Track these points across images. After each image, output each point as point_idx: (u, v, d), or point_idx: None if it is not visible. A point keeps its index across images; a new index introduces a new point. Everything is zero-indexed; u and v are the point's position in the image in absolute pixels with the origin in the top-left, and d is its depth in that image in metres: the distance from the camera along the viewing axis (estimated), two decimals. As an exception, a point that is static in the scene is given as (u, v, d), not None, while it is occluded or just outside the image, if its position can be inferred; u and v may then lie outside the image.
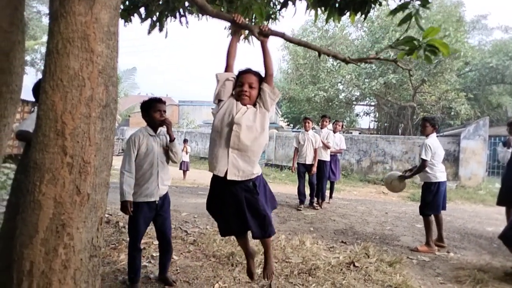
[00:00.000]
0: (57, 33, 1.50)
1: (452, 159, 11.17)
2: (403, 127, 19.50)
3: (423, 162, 4.43)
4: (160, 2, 3.59)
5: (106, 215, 5.01)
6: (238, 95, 2.35)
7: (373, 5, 3.11)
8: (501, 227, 3.97)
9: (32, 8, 21.77)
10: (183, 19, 3.81)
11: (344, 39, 19.81)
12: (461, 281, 3.50)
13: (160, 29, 3.81)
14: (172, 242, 3.19)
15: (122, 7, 3.63)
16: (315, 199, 6.95)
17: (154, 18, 3.75)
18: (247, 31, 3.92)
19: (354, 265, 3.60)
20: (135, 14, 3.72)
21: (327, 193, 7.40)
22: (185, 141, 12.80)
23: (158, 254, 3.67)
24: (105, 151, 1.61)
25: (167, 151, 2.99)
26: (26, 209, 1.47)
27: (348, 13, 3.21)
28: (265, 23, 3.97)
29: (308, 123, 6.79)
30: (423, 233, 4.63)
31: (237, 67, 2.46)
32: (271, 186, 2.70)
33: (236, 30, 2.52)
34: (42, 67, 1.60)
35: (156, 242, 4.00)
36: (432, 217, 4.53)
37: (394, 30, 15.46)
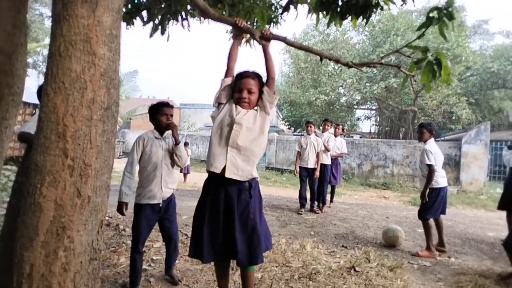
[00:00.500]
0: (60, 35, 1.51)
1: (453, 164, 11.15)
2: (404, 131, 19.51)
3: (431, 168, 4.39)
4: (162, 6, 3.60)
5: (107, 218, 5.01)
6: (237, 101, 2.34)
7: (374, 10, 3.11)
8: (503, 232, 3.96)
9: (35, 10, 21.86)
10: (185, 22, 3.82)
11: (345, 43, 19.88)
12: (462, 287, 3.48)
13: (162, 32, 3.83)
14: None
15: (124, 10, 3.64)
16: (316, 203, 6.94)
17: (156, 21, 3.76)
18: (248, 35, 3.94)
19: (354, 270, 3.58)
20: (137, 17, 3.73)
21: (328, 197, 7.39)
22: (186, 144, 12.80)
23: (158, 257, 3.67)
24: (106, 154, 1.61)
25: (173, 154, 2.99)
26: (26, 212, 1.47)
27: (349, 17, 3.21)
28: (267, 27, 3.98)
29: (310, 127, 6.80)
30: (424, 237, 4.61)
31: (238, 70, 2.46)
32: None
33: (238, 33, 2.52)
34: (44, 70, 1.60)
35: (156, 245, 4.01)
36: (432, 222, 4.52)
37: (395, 34, 15.50)
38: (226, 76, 2.43)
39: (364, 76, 17.80)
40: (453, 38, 14.14)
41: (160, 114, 2.95)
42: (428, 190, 4.47)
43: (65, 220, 1.46)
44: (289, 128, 27.80)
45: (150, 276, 3.26)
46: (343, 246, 4.63)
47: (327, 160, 6.97)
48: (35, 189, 1.46)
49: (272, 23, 4.11)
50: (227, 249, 2.21)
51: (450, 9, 2.38)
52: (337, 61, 2.68)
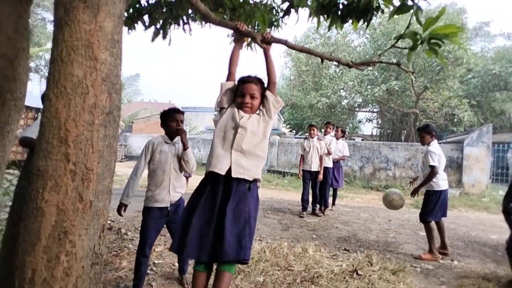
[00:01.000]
0: (62, 41, 1.52)
1: (456, 166, 11.12)
2: (406, 133, 19.48)
3: (433, 169, 4.38)
4: (164, 10, 3.62)
5: (109, 222, 5.01)
6: (239, 106, 2.34)
7: (375, 13, 3.12)
8: (505, 235, 3.94)
9: (37, 15, 21.99)
10: (186, 26, 3.83)
11: (346, 46, 19.90)
12: (465, 290, 3.47)
13: (164, 37, 3.84)
14: None
15: (126, 14, 3.66)
16: (318, 206, 6.94)
17: (158, 26, 3.78)
18: (250, 39, 3.95)
19: (357, 273, 3.57)
20: (139, 22, 3.75)
21: (330, 200, 7.37)
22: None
23: (160, 261, 3.67)
24: (108, 158, 1.61)
25: (181, 159, 3.05)
26: (28, 216, 1.47)
27: (350, 21, 3.22)
28: (268, 30, 3.99)
29: (313, 130, 6.81)
30: (426, 240, 4.59)
31: (240, 74, 2.46)
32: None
33: (239, 37, 2.53)
34: (46, 74, 1.61)
35: (158, 249, 4.01)
36: (434, 224, 4.51)
37: (396, 37, 15.48)
38: (227, 79, 2.43)
39: (365, 79, 17.80)
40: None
41: (171, 119, 3.02)
42: (422, 189, 4.52)
43: (67, 225, 1.47)
44: (290, 131, 27.78)
45: (152, 280, 3.25)
46: (345, 249, 4.62)
47: (329, 163, 6.97)
48: (37, 194, 1.46)
49: (273, 27, 4.12)
50: (215, 245, 2.04)
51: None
52: (337, 61, 2.70)
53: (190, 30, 3.90)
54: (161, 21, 3.72)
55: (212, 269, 2.27)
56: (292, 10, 3.54)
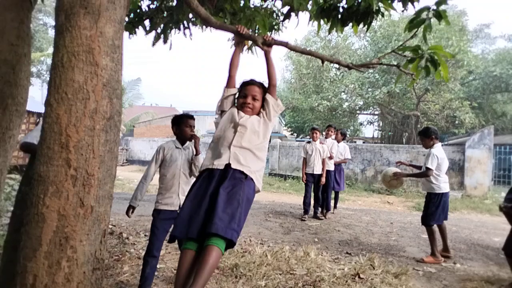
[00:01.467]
0: (62, 46, 1.53)
1: (457, 168, 11.09)
2: (407, 136, 19.46)
3: (427, 171, 4.41)
4: (165, 15, 3.63)
5: (110, 226, 5.00)
6: (241, 106, 2.36)
7: (375, 16, 3.13)
8: (508, 238, 3.92)
9: (39, 20, 22.10)
10: (187, 31, 3.85)
11: (347, 49, 19.93)
12: (468, 293, 3.45)
13: (165, 41, 3.85)
14: None
15: (126, 19, 3.67)
16: (320, 209, 6.92)
17: (159, 30, 3.79)
18: (250, 42, 3.96)
19: (359, 277, 3.55)
20: (140, 26, 3.76)
21: (332, 203, 7.36)
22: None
23: (161, 265, 3.66)
24: (109, 163, 1.61)
25: (192, 164, 3.11)
26: (29, 222, 1.47)
27: (350, 24, 3.23)
28: (269, 34, 4.00)
29: (316, 133, 6.81)
30: (428, 243, 4.57)
31: (240, 78, 2.49)
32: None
33: (240, 41, 2.54)
34: (48, 79, 1.62)
35: (160, 254, 4.00)
36: (435, 227, 4.49)
37: (396, 39, 15.52)
38: (228, 83, 2.44)
39: (366, 82, 17.81)
40: (454, 43, 14.15)
41: (185, 125, 3.12)
42: (410, 175, 4.71)
43: (68, 231, 1.47)
44: (291, 134, 27.79)
45: (154, 285, 3.25)
46: (347, 252, 4.60)
47: (330, 166, 6.97)
48: (38, 199, 1.47)
49: (273, 31, 4.13)
50: (206, 222, 1.93)
51: (439, 9, 2.42)
52: (338, 63, 2.72)
53: (191, 34, 3.92)
54: (161, 26, 3.73)
55: (199, 249, 2.04)
56: (292, 14, 3.56)
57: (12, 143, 2.25)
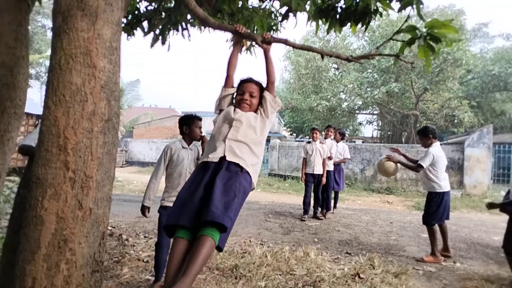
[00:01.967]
0: (60, 49, 1.52)
1: (457, 167, 11.10)
2: (406, 135, 19.47)
3: (418, 168, 4.48)
4: (163, 16, 3.63)
5: (110, 228, 5.00)
6: (238, 103, 2.37)
7: (373, 16, 3.13)
8: (508, 237, 3.92)
9: (37, 22, 22.08)
10: (185, 32, 3.84)
11: (345, 49, 19.91)
12: (468, 292, 3.45)
13: (163, 42, 3.85)
14: None
15: (125, 21, 3.67)
16: (319, 209, 6.93)
17: (157, 32, 3.79)
18: (249, 42, 3.96)
19: (359, 277, 3.55)
20: (138, 28, 3.76)
21: (331, 203, 7.36)
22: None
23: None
24: (107, 165, 1.61)
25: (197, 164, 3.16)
26: (28, 225, 1.47)
27: (349, 24, 3.23)
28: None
29: (316, 133, 6.82)
30: (428, 243, 4.57)
31: (238, 78, 2.50)
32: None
33: (238, 40, 2.55)
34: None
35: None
36: (436, 227, 4.49)
37: (395, 39, 15.50)
38: (225, 83, 2.45)
39: (365, 81, 17.82)
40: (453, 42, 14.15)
41: (195, 126, 3.26)
42: (402, 164, 4.71)
43: (67, 233, 1.46)
44: (291, 134, 27.79)
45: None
46: (347, 252, 4.60)
47: (330, 166, 6.98)
48: (36, 202, 1.46)
49: (272, 31, 4.13)
50: (200, 210, 1.89)
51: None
52: (337, 57, 2.75)
53: (189, 35, 3.92)
54: (160, 27, 3.73)
55: (192, 239, 1.98)
56: (291, 14, 3.56)
57: (11, 146, 2.24)
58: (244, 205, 2.50)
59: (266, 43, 2.44)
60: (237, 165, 2.13)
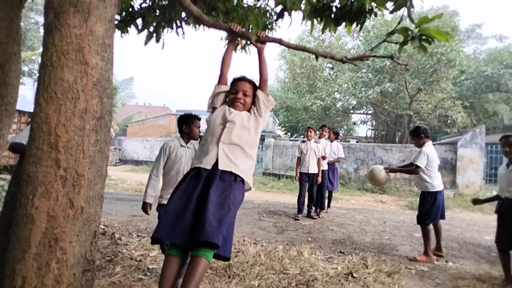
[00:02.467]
0: (52, 45, 1.50)
1: (449, 167, 11.18)
2: (400, 135, 19.56)
3: (417, 169, 4.45)
4: (157, 13, 3.61)
5: (102, 226, 4.96)
6: (232, 102, 2.37)
7: (368, 16, 3.13)
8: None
9: (30, 19, 21.85)
10: (179, 30, 3.82)
11: (340, 49, 19.95)
12: (460, 291, 3.47)
13: (157, 40, 3.83)
14: None
15: (118, 18, 3.64)
16: (313, 208, 6.94)
17: (151, 29, 3.77)
18: (243, 41, 3.95)
19: (352, 276, 3.56)
20: (132, 25, 3.73)
21: (325, 202, 7.38)
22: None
23: (154, 266, 3.63)
24: (99, 164, 1.59)
25: None
26: (18, 223, 1.45)
27: (344, 24, 3.23)
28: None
29: (311, 132, 6.83)
30: (421, 242, 4.60)
31: (232, 76, 2.49)
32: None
33: (232, 39, 2.54)
34: (37, 79, 1.59)
35: (152, 254, 3.98)
36: (431, 226, 4.52)
37: (389, 41, 15.58)
38: (219, 81, 2.45)
39: (359, 81, 17.88)
40: (447, 43, 14.26)
41: (194, 125, 3.31)
42: (398, 170, 4.83)
43: (58, 232, 1.45)
44: (285, 134, 27.82)
45: (147, 285, 3.22)
46: (340, 252, 4.61)
47: (324, 166, 7.00)
48: (27, 200, 1.45)
49: (267, 30, 4.13)
50: (194, 227, 1.87)
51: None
52: (332, 57, 2.74)
53: (183, 33, 3.90)
54: (154, 25, 3.71)
55: (187, 257, 2.05)
56: (286, 13, 3.55)
57: (2, 143, 2.21)
58: (238, 204, 2.50)
59: (260, 42, 2.43)
60: (231, 173, 2.13)
